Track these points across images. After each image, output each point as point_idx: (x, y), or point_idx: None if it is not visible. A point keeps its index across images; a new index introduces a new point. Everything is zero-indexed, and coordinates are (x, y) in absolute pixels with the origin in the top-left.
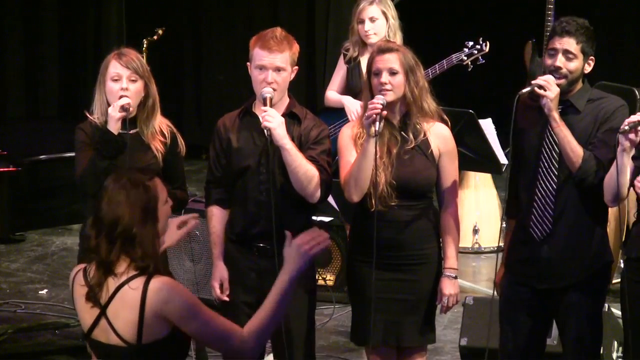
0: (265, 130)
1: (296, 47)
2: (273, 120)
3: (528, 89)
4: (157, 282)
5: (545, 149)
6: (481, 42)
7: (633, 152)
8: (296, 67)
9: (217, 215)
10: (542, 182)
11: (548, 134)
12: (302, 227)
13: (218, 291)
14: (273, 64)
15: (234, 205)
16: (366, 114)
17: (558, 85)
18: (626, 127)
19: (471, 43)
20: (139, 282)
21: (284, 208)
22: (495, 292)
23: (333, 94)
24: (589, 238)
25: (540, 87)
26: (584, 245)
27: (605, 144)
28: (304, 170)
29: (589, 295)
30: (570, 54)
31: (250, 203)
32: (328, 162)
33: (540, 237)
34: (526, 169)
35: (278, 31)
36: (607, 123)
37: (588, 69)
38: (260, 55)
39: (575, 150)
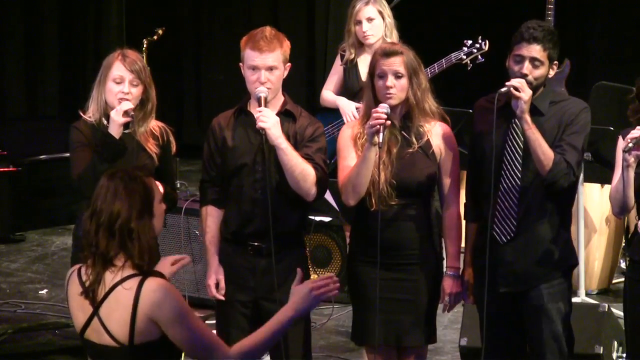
0: (261, 130)
1: (287, 45)
2: (268, 120)
3: (505, 89)
4: (152, 284)
5: (508, 152)
6: (480, 41)
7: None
8: (289, 64)
9: (212, 215)
10: (505, 184)
11: (511, 136)
12: (297, 225)
13: (214, 290)
14: (265, 64)
15: (228, 204)
16: (370, 123)
17: None
18: (630, 145)
19: (470, 42)
20: (132, 283)
21: (279, 206)
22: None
23: (328, 94)
24: (553, 241)
25: (516, 88)
26: (548, 248)
27: (574, 148)
28: (300, 169)
29: (554, 298)
30: (537, 61)
31: (246, 201)
32: (324, 160)
33: (503, 240)
34: (488, 171)
35: (267, 30)
36: (572, 126)
37: (552, 73)
38: (251, 56)
39: (547, 153)
